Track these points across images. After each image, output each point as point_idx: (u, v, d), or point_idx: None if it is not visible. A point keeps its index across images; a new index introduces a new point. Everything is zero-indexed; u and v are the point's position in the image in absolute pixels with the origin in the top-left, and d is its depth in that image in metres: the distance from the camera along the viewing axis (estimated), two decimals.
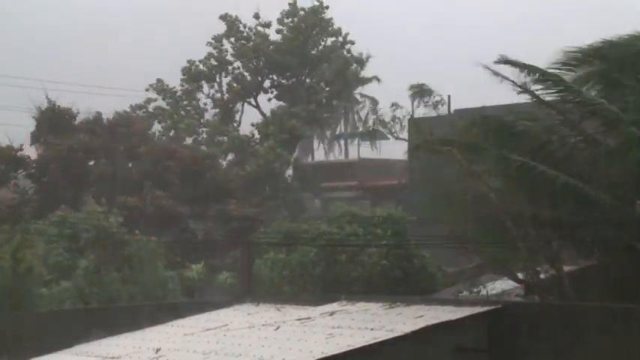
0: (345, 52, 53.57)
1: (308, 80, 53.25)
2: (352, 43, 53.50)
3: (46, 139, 36.76)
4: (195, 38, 54.04)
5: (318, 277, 25.19)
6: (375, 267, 25.16)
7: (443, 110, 24.41)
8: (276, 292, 24.91)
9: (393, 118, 28.30)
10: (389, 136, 40.41)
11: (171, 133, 50.47)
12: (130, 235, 26.96)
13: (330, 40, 53.49)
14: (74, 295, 24.40)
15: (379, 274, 25.14)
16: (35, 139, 37.37)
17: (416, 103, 23.06)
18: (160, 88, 51.94)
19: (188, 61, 52.25)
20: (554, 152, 18.19)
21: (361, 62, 53.62)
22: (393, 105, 24.83)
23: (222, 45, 52.77)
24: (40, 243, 26.26)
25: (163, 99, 51.94)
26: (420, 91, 22.79)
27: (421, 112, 28.45)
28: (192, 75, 52.23)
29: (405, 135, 35.04)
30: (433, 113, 25.53)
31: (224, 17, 52.85)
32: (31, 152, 37.32)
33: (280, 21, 52.81)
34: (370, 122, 37.16)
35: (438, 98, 23.31)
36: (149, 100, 51.70)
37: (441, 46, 74.37)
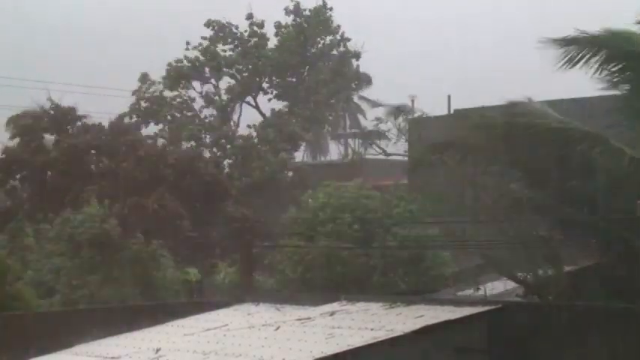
0: (342, 48, 53.40)
1: (307, 80, 53.13)
2: (348, 40, 53.28)
3: (41, 141, 36.58)
4: (193, 38, 53.90)
5: (332, 274, 25.04)
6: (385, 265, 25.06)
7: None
8: (288, 288, 24.91)
9: (379, 134, 28.25)
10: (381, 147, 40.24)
11: (167, 137, 50.30)
12: (127, 236, 26.94)
13: (328, 39, 53.33)
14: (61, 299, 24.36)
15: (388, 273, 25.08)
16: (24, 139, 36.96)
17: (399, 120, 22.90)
18: (144, 93, 51.36)
19: (176, 60, 51.85)
20: (556, 149, 18.19)
21: (357, 55, 53.40)
22: (375, 119, 24.85)
23: (214, 47, 52.40)
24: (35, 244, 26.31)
25: (145, 102, 51.33)
26: (398, 113, 22.75)
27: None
28: (178, 74, 51.61)
29: (397, 146, 34.98)
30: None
31: (208, 24, 52.52)
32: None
33: (279, 23, 52.71)
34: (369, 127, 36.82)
35: (419, 113, 23.14)
36: (136, 104, 51.11)
37: (441, 41, 74.30)
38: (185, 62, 51.82)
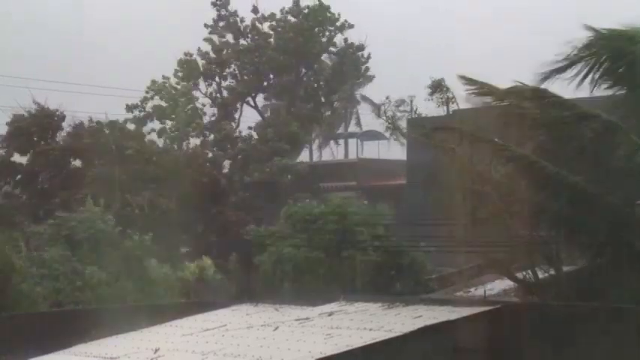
0: (343, 44, 53.20)
1: (307, 78, 53.02)
2: (351, 26, 52.84)
3: (32, 143, 36.57)
4: (194, 36, 53.80)
5: (322, 274, 25.17)
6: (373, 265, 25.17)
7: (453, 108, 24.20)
8: (278, 287, 24.95)
9: (397, 116, 27.82)
10: (393, 134, 40.01)
11: (173, 134, 50.32)
12: (124, 234, 26.95)
13: (329, 29, 52.95)
14: (62, 295, 24.36)
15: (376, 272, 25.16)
16: (19, 143, 36.90)
17: (427, 97, 22.79)
18: (157, 88, 51.55)
19: (185, 53, 51.86)
20: (558, 148, 18.19)
21: (361, 48, 53.16)
22: (397, 101, 24.50)
23: (223, 38, 52.38)
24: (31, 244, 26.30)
25: (161, 99, 51.60)
26: (438, 87, 22.52)
27: (431, 109, 27.89)
28: (189, 69, 51.71)
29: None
30: (442, 111, 25.19)
31: (215, 3, 52.50)
32: (19, 157, 37.11)
33: (280, 20, 52.54)
34: (377, 119, 36.78)
35: (450, 95, 23.04)
36: (145, 99, 51.29)
37: (446, 39, 73.99)
38: (196, 55, 51.89)
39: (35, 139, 36.49)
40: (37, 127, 36.50)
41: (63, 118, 36.91)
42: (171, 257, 28.30)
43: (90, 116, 37.89)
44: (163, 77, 51.69)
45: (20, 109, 36.85)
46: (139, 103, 51.01)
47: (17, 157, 37.01)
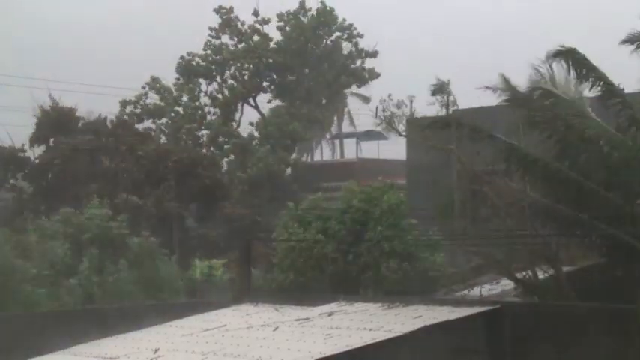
0: (350, 46, 53.22)
1: (308, 79, 53.00)
2: (360, 36, 53.01)
3: (48, 139, 36.68)
4: (194, 35, 53.91)
5: (332, 272, 25.09)
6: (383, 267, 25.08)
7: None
8: (284, 282, 24.92)
9: (401, 113, 27.84)
10: (392, 133, 39.78)
11: (168, 132, 50.29)
12: (132, 234, 26.98)
13: (335, 35, 52.99)
14: (75, 294, 24.39)
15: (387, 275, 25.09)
16: (36, 139, 37.10)
17: (429, 99, 22.88)
18: (156, 86, 51.51)
19: (188, 53, 51.88)
20: (558, 146, 18.22)
21: (373, 55, 53.21)
22: (409, 97, 24.77)
23: (219, 40, 52.50)
24: (38, 241, 26.28)
25: (161, 100, 51.58)
26: (440, 89, 22.59)
27: (433, 111, 27.70)
28: (188, 70, 51.78)
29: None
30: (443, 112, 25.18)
31: (218, 10, 52.62)
32: (32, 153, 37.28)
33: (284, 20, 52.53)
34: (373, 119, 36.70)
35: (452, 98, 23.13)
36: (140, 96, 51.20)
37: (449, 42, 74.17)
38: (196, 58, 51.95)
39: (48, 135, 36.62)
40: (51, 123, 36.61)
41: (78, 119, 37.04)
42: (176, 256, 28.33)
43: (101, 114, 38.04)
44: (152, 77, 51.63)
45: (34, 107, 37.07)
46: (135, 99, 50.96)
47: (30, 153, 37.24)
